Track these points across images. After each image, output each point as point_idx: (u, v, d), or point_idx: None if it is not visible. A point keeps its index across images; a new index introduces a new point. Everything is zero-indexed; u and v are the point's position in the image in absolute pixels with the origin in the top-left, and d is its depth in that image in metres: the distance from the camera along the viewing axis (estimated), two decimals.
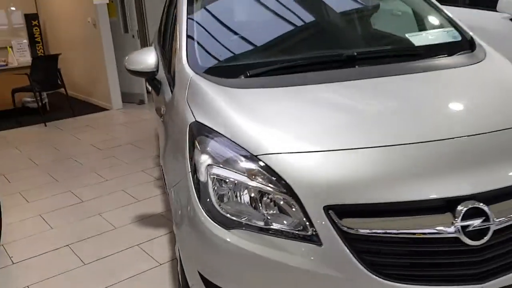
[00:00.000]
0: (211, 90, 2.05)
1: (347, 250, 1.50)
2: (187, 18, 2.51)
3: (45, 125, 6.45)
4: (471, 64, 2.26)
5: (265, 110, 1.90)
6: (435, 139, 1.68)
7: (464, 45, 2.47)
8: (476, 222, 1.50)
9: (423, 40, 2.51)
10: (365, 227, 1.52)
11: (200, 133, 1.86)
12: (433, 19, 2.71)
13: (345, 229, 1.51)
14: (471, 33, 2.58)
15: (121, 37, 7.32)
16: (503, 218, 1.54)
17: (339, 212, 1.53)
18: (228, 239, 1.63)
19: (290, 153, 1.66)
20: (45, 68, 6.67)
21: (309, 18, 2.60)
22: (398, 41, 2.59)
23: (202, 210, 1.71)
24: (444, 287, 1.50)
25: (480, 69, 2.23)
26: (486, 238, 1.51)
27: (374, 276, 1.49)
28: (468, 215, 1.50)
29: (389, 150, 1.64)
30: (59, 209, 3.67)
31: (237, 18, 2.64)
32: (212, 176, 1.71)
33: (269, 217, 1.61)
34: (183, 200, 1.84)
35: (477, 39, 2.53)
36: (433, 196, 1.52)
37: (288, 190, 1.59)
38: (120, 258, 2.89)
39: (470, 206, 1.50)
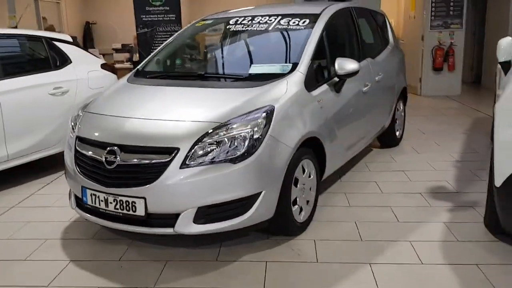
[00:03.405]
0: (120, 81, 3.98)
1: (74, 158, 3.29)
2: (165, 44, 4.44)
3: None
4: (248, 88, 3.32)
5: (120, 93, 3.72)
6: (138, 117, 3.17)
7: (280, 76, 3.44)
8: (110, 157, 3.02)
9: (256, 70, 3.61)
10: (81, 148, 3.26)
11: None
12: (282, 57, 3.73)
13: (76, 149, 3.30)
14: (301, 69, 3.48)
15: None
16: (124, 160, 2.98)
17: (79, 140, 3.31)
18: (65, 149, 3.62)
19: (88, 112, 3.50)
20: None
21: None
22: (240, 68, 3.79)
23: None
24: (96, 184, 3.07)
25: (246, 91, 3.26)
26: (112, 167, 3.01)
27: (78, 173, 3.22)
28: (111, 153, 3.03)
29: (115, 118, 3.27)
30: None
31: (170, 47, 4.41)
32: (71, 120, 3.71)
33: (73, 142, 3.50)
34: None
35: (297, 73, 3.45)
36: (103, 140, 3.12)
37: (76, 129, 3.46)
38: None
39: (109, 148, 3.04)
